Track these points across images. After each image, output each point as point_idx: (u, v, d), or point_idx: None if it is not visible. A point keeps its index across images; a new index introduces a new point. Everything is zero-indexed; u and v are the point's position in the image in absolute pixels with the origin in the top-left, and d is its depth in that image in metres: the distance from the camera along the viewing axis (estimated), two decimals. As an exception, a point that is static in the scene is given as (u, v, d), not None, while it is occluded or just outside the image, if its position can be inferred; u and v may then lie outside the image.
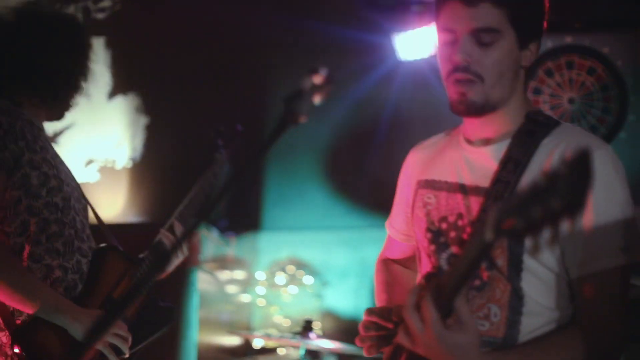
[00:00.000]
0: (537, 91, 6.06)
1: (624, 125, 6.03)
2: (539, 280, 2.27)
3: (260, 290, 5.57)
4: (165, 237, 3.38)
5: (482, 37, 2.28)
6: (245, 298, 5.56)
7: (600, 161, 2.18)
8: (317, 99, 2.02)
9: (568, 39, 6.10)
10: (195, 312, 4.66)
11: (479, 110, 2.33)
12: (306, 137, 5.76)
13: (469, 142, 2.46)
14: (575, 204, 1.48)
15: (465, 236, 2.35)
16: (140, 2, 6.04)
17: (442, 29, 2.35)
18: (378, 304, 2.71)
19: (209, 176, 3.56)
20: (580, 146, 2.09)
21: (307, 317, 4.77)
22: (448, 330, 1.91)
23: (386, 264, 2.86)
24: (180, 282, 4.69)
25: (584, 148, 1.50)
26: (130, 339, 3.17)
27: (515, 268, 2.26)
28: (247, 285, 5.46)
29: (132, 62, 6.03)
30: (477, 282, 2.30)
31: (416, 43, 5.83)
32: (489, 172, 2.35)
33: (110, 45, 5.94)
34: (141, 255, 3.37)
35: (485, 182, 2.34)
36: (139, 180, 6.05)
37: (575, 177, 1.48)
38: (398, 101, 6.13)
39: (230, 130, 3.70)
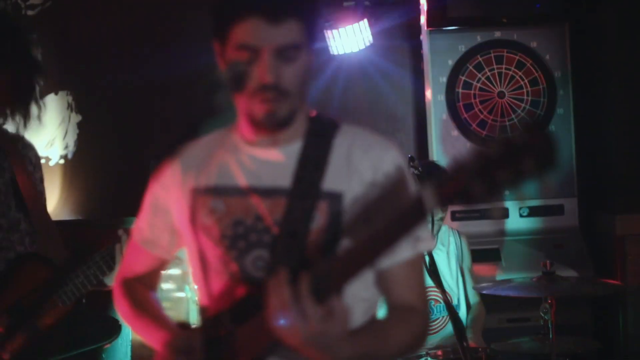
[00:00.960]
0: (466, 85, 6.14)
1: (553, 119, 6.14)
2: None
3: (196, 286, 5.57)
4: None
5: (287, 53, 2.25)
6: (181, 295, 5.56)
7: (396, 160, 2.41)
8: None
9: (497, 34, 6.19)
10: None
11: (286, 123, 2.34)
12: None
13: (250, 143, 2.43)
14: (546, 163, 1.67)
15: (270, 238, 2.35)
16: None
17: (237, 46, 2.27)
18: (138, 329, 2.62)
19: None
20: (382, 144, 2.42)
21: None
22: (325, 322, 2.02)
23: (128, 286, 2.67)
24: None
25: (535, 118, 1.68)
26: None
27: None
28: (183, 282, 5.46)
29: (63, 60, 5.99)
30: None
31: (348, 38, 5.87)
32: (285, 172, 2.37)
33: (40, 42, 5.87)
34: (67, 264, 3.34)
35: (282, 182, 2.36)
36: (71, 178, 6.03)
37: (537, 141, 1.68)
38: (335, 97, 6.20)
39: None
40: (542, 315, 4.76)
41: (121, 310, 2.66)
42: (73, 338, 3.27)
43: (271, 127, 2.34)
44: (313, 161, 2.37)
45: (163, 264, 2.70)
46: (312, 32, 2.32)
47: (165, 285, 5.32)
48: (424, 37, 6.16)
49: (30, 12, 5.95)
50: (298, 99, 2.33)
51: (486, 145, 1.76)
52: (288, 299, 2.03)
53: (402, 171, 2.38)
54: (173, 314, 5.48)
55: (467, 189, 1.77)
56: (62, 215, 5.94)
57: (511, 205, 5.98)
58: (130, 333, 4.71)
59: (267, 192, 2.37)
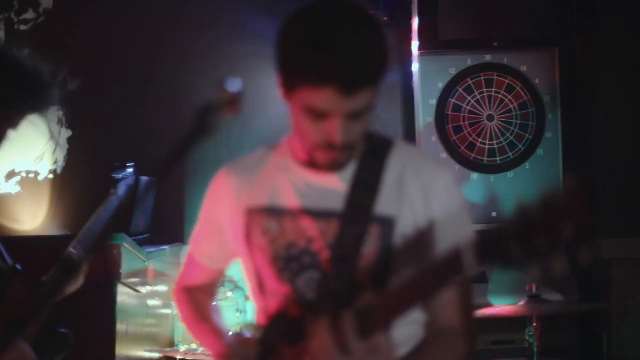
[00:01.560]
0: (456, 108, 6.17)
1: (541, 142, 6.16)
2: None
3: (182, 303, 5.53)
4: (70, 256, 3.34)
5: (357, 115, 2.21)
6: (166, 311, 5.55)
7: (451, 182, 2.41)
8: (227, 113, 2.04)
9: (487, 57, 6.22)
10: (113, 326, 4.64)
11: (345, 163, 2.38)
12: (230, 149, 5.78)
13: (306, 165, 2.42)
14: (586, 231, 1.59)
15: (322, 260, 2.36)
16: (64, 15, 6.02)
17: (309, 109, 2.21)
18: (197, 334, 2.71)
19: (100, 210, 3.51)
20: (433, 166, 2.39)
21: (229, 330, 4.75)
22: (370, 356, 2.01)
23: (190, 293, 2.76)
24: (98, 296, 4.66)
25: (576, 179, 1.61)
26: None
27: (383, 282, 2.35)
28: (168, 298, 5.44)
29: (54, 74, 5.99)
30: None
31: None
32: (338, 195, 2.36)
33: (32, 57, 5.89)
34: (43, 278, 3.33)
35: (335, 205, 2.36)
36: (60, 192, 6.02)
37: (577, 205, 1.58)
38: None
39: (123, 166, 3.68)
40: (527, 337, 4.78)
41: (183, 317, 2.74)
42: (42, 351, 3.24)
43: (331, 170, 2.36)
44: (366, 184, 2.36)
45: (221, 274, 2.76)
46: (378, 86, 2.25)
47: (150, 302, 5.30)
48: (414, 59, 6.18)
49: (22, 27, 5.97)
50: (360, 140, 2.35)
51: (525, 208, 1.65)
52: (330, 340, 2.03)
53: (452, 196, 2.39)
54: (157, 330, 5.47)
55: (506, 253, 1.69)
56: (50, 230, 5.93)
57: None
58: (114, 349, 4.69)
59: (319, 215, 2.38)
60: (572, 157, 6.22)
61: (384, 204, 2.36)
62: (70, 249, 3.31)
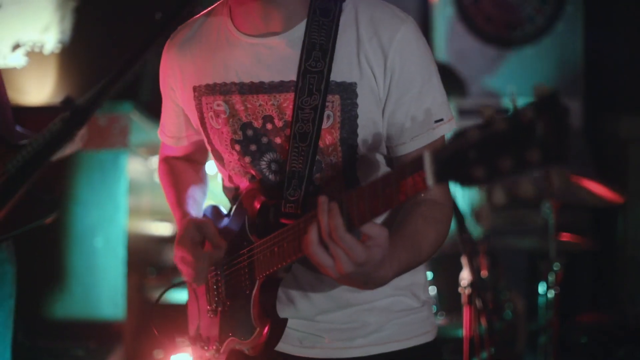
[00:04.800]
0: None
1: (562, 16, 6.01)
2: (372, 165, 2.22)
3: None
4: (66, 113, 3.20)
5: None
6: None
7: (411, 36, 2.13)
8: None
9: None
10: (124, 198, 4.58)
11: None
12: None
13: (248, 34, 2.21)
14: (555, 157, 1.36)
15: (280, 140, 2.18)
16: None
17: None
18: (170, 203, 2.52)
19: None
20: (393, 21, 2.11)
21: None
22: (368, 250, 1.79)
23: (168, 162, 2.63)
24: (107, 165, 4.61)
25: (551, 89, 1.37)
26: None
27: (350, 160, 2.18)
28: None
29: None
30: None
31: None
32: (290, 63, 2.15)
33: None
34: (23, 142, 3.20)
35: (288, 75, 2.15)
36: (68, 64, 5.90)
37: (548, 123, 1.36)
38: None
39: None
40: (544, 215, 4.72)
41: (163, 189, 2.59)
42: (20, 215, 3.14)
43: (273, 29, 2.14)
44: (319, 48, 2.14)
45: (196, 146, 2.55)
46: None
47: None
48: None
49: None
50: None
51: (490, 118, 1.44)
52: (326, 232, 1.78)
53: (415, 53, 2.14)
54: (167, 205, 5.41)
55: (467, 173, 1.49)
56: (57, 101, 5.84)
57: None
58: (126, 222, 4.64)
59: (272, 89, 2.17)
60: (594, 32, 6.07)
61: (341, 70, 2.13)
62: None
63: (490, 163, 1.43)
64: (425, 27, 6.19)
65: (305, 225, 1.90)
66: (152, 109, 5.10)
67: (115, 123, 4.62)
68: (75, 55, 5.90)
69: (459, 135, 1.51)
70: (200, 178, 2.61)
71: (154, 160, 5.00)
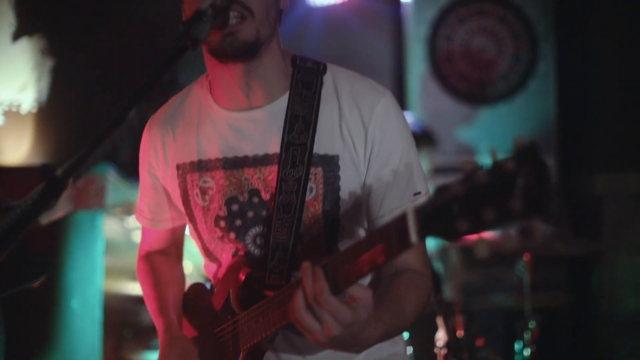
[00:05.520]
0: (449, 39, 6.06)
1: (534, 74, 6.08)
2: (353, 237, 2.23)
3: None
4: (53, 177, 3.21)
5: None
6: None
7: (390, 109, 2.19)
8: (217, 22, 1.94)
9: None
10: (100, 259, 4.57)
11: (250, 49, 2.10)
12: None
13: (229, 109, 2.24)
14: (537, 206, 1.39)
15: (265, 212, 2.19)
16: None
17: None
18: (150, 308, 2.48)
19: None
20: (372, 93, 2.16)
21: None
22: (354, 311, 1.79)
23: (148, 260, 2.57)
24: (84, 226, 4.59)
25: (530, 141, 1.41)
26: None
27: (332, 232, 2.20)
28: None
29: (37, 2, 5.86)
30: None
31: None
32: (273, 135, 2.18)
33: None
34: (14, 203, 3.20)
35: (272, 147, 2.18)
36: (44, 124, 5.90)
37: (529, 174, 1.40)
38: (305, 50, 6.06)
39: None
40: (518, 272, 4.75)
41: (142, 290, 2.54)
42: (10, 276, 3.12)
43: (233, 54, 2.09)
44: (302, 120, 2.16)
45: (179, 230, 2.54)
46: None
47: (136, 235, 5.22)
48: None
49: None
50: (266, 26, 2.11)
51: (472, 172, 1.48)
52: (312, 296, 1.78)
53: (394, 124, 2.19)
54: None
55: (451, 222, 1.51)
56: (33, 162, 5.83)
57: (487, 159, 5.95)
58: (102, 282, 4.62)
59: (257, 162, 2.19)
60: (567, 90, 6.15)
61: (324, 142, 2.16)
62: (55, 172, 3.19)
63: (474, 215, 1.47)
64: (399, 84, 6.25)
65: (289, 293, 1.92)
66: (129, 169, 5.12)
67: (92, 184, 4.61)
68: (53, 115, 5.90)
69: (441, 189, 1.54)
70: (180, 275, 2.58)
71: (130, 220, 4.99)
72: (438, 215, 1.54)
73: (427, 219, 1.57)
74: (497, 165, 1.44)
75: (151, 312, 2.46)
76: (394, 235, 1.65)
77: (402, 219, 1.62)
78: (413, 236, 1.59)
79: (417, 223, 1.59)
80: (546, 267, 5.55)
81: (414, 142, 2.24)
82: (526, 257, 4.67)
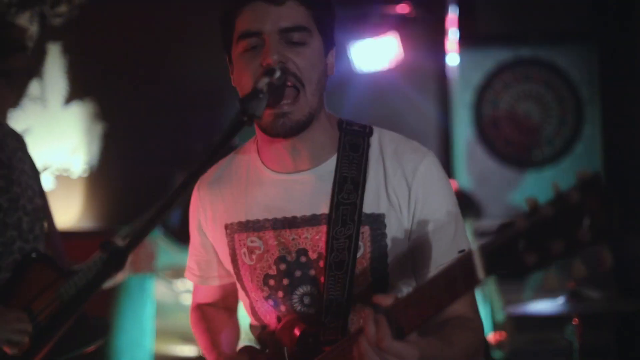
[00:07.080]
0: (494, 104, 6.09)
1: (580, 137, 6.08)
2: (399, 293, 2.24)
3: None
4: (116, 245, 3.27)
5: (292, 36, 2.11)
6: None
7: (432, 169, 2.24)
8: (271, 99, 1.98)
9: (525, 51, 6.14)
10: (150, 322, 4.60)
11: (304, 126, 2.16)
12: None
13: (277, 171, 2.28)
14: (605, 233, 1.43)
15: (313, 272, 2.22)
16: (97, 8, 5.98)
17: (243, 34, 2.13)
18: (204, 349, 2.48)
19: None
20: (415, 154, 2.20)
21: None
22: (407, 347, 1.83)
23: (200, 309, 2.59)
24: (134, 290, 4.63)
25: (593, 172, 1.45)
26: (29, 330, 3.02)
27: (381, 290, 2.22)
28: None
29: (88, 68, 5.97)
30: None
31: (373, 54, 5.82)
32: (321, 197, 2.22)
33: (66, 50, 5.87)
34: (75, 267, 3.26)
35: (319, 208, 2.21)
36: (94, 187, 5.98)
37: (594, 202, 1.43)
38: (352, 114, 6.11)
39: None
40: (567, 336, 4.70)
41: (196, 336, 2.55)
42: (72, 339, 3.17)
43: (288, 133, 2.14)
44: (351, 181, 2.21)
45: (229, 286, 2.53)
46: (321, 23, 2.17)
47: (185, 298, 5.25)
48: (451, 53, 6.11)
49: (57, 21, 5.93)
50: (316, 96, 2.15)
51: (535, 206, 1.50)
52: (374, 342, 1.82)
53: (436, 183, 2.23)
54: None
55: (518, 258, 1.53)
56: (83, 226, 5.90)
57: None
58: (152, 345, 4.65)
59: (304, 222, 2.23)
60: (613, 152, 6.13)
61: (370, 202, 2.20)
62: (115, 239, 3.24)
63: (542, 248, 1.49)
64: (446, 149, 6.27)
65: (348, 345, 1.95)
66: (178, 233, 5.16)
67: (142, 248, 4.65)
68: (102, 179, 5.98)
69: (505, 226, 1.56)
70: (233, 323, 2.60)
71: (179, 283, 5.03)
72: (504, 251, 1.56)
73: (493, 256, 1.59)
74: (561, 197, 1.48)
75: (204, 351, 2.48)
76: (460, 275, 1.68)
77: (467, 257, 1.65)
78: (480, 273, 1.61)
79: (483, 260, 1.61)
80: (595, 332, 5.50)
81: (456, 201, 2.28)
82: (575, 321, 4.63)
